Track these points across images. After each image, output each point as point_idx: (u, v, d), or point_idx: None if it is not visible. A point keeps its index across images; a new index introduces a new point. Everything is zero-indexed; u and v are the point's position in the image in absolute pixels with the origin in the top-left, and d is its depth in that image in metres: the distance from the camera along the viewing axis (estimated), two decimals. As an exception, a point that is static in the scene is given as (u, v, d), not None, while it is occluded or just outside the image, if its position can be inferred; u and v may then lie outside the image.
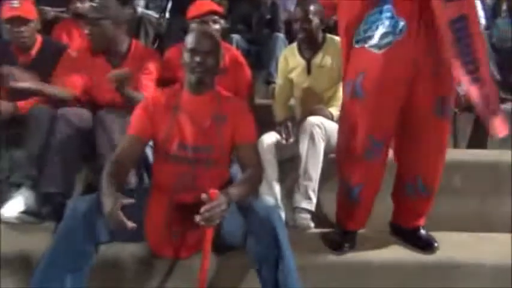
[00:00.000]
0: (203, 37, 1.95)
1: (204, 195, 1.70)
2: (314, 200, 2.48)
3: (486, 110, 1.92)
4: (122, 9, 2.66)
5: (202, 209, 1.68)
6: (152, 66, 2.66)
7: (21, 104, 2.55)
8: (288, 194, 2.60)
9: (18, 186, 2.46)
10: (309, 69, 2.79)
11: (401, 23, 2.01)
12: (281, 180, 2.58)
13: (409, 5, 2.01)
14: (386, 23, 2.03)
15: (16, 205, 2.38)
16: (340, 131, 2.25)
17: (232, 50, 2.97)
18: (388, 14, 2.03)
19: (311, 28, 2.70)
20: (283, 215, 2.50)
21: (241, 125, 2.00)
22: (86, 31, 2.59)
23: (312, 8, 2.67)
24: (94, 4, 2.61)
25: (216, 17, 2.81)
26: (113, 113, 2.43)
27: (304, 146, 2.48)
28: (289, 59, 2.85)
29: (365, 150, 2.11)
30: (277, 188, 2.54)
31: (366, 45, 2.07)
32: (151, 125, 1.96)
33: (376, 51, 2.05)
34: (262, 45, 3.97)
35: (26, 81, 2.46)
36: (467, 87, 1.92)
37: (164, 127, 1.95)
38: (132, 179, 2.37)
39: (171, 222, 1.95)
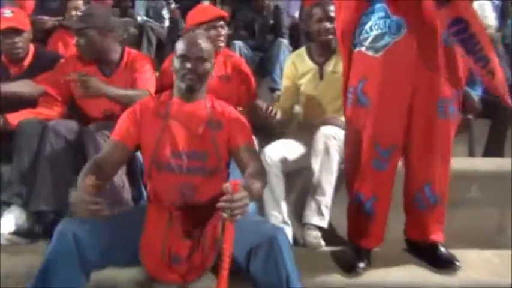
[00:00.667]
0: (194, 43, 1.89)
1: (226, 185, 1.56)
2: (327, 216, 2.32)
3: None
4: (109, 17, 2.54)
5: (222, 199, 1.54)
6: (147, 66, 2.53)
7: (11, 116, 2.41)
8: (296, 208, 2.46)
9: (8, 205, 2.31)
10: (321, 75, 2.64)
11: (398, 22, 1.91)
12: (287, 193, 2.44)
13: (405, 1, 1.90)
14: (380, 23, 1.94)
15: (5, 226, 2.24)
16: (346, 141, 2.13)
17: (235, 57, 2.85)
18: (381, 14, 1.93)
19: (333, 28, 2.51)
20: (290, 231, 2.37)
21: (236, 130, 1.92)
22: (74, 42, 2.47)
23: (332, 7, 2.53)
24: (79, 13, 2.49)
25: (222, 23, 2.69)
26: (105, 126, 2.27)
27: (317, 159, 2.34)
28: (297, 64, 2.70)
29: (372, 159, 1.99)
30: (283, 202, 2.39)
31: (363, 49, 1.97)
32: (138, 133, 1.89)
33: (373, 54, 1.95)
34: (265, 51, 3.85)
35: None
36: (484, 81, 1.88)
37: (154, 135, 1.86)
38: (125, 195, 2.22)
39: (170, 243, 1.81)
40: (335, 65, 2.63)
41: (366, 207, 2.04)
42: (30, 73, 2.58)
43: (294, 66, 2.72)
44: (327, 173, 2.31)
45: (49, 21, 3.41)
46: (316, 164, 2.34)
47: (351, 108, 2.04)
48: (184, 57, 1.86)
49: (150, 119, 1.89)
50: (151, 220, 1.85)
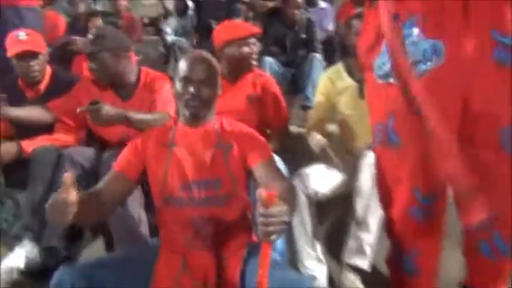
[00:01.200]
0: (197, 63, 1.69)
1: (261, 192, 1.29)
2: (369, 256, 2.05)
3: None
4: (123, 38, 2.38)
5: (257, 212, 1.29)
6: (166, 86, 2.35)
7: (26, 143, 2.29)
8: (330, 240, 2.21)
9: (20, 239, 2.16)
10: (361, 93, 2.37)
11: (435, 45, 1.57)
12: (321, 223, 2.22)
13: (445, 20, 1.55)
14: (411, 49, 1.60)
15: (15, 262, 2.08)
16: (377, 184, 1.82)
17: (265, 77, 2.61)
18: (414, 38, 1.59)
19: None
20: (325, 270, 2.13)
21: (250, 147, 1.70)
22: (88, 66, 2.32)
23: None
24: (90, 37, 2.32)
25: (254, 40, 2.49)
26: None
27: (363, 189, 2.07)
28: (335, 81, 2.46)
29: (411, 208, 1.67)
30: (316, 236, 2.15)
31: (391, 80, 1.64)
32: (141, 164, 1.70)
33: None
34: (297, 67, 3.61)
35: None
36: None
37: (160, 167, 1.68)
38: (143, 229, 2.03)
39: None
40: None
41: (406, 264, 1.73)
42: (46, 96, 2.46)
43: (331, 82, 2.47)
44: (374, 206, 2.03)
45: (80, 41, 3.31)
46: (360, 196, 2.07)
47: (381, 149, 1.74)
48: (186, 80, 1.67)
49: (155, 150, 1.70)
50: (162, 265, 1.64)
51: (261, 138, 1.76)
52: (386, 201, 1.77)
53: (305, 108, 3.41)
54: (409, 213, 1.66)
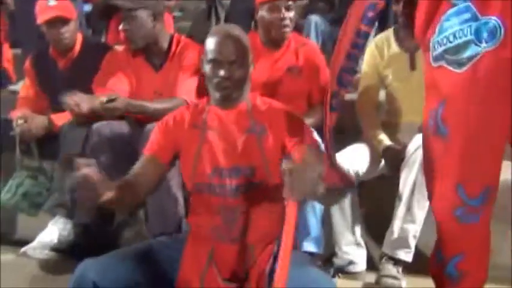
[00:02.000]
0: (226, 43, 1.56)
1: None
2: (413, 248, 1.91)
3: None
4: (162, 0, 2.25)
5: (286, 167, 1.26)
6: (192, 63, 2.20)
7: (56, 117, 2.26)
8: (370, 221, 2.10)
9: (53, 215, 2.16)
10: (412, 64, 2.15)
11: (491, 24, 1.38)
12: (363, 204, 2.10)
13: None
14: (465, 28, 1.41)
15: (47, 239, 2.08)
16: (425, 177, 1.64)
17: (309, 46, 2.39)
18: (467, 15, 1.41)
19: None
20: (364, 254, 2.04)
21: (289, 133, 1.56)
22: (121, 26, 2.18)
23: None
24: None
25: (290, 3, 2.24)
26: None
27: (409, 176, 1.90)
28: (382, 51, 2.23)
29: (455, 208, 1.49)
30: (356, 221, 2.05)
31: (444, 63, 1.46)
32: (172, 147, 1.62)
33: (456, 69, 1.44)
34: (346, 25, 3.32)
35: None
36: None
37: (192, 151, 1.59)
38: (180, 210, 1.96)
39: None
40: None
41: (448, 268, 1.56)
42: (78, 66, 2.39)
43: (379, 51, 2.25)
44: (421, 196, 1.87)
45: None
46: (407, 183, 1.90)
47: (430, 138, 1.55)
48: (215, 62, 1.55)
49: (187, 132, 1.61)
50: (189, 257, 1.57)
51: (301, 119, 1.63)
52: (431, 195, 1.60)
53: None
54: (453, 213, 1.50)
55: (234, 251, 1.55)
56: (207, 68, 1.57)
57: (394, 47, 2.21)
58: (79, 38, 2.43)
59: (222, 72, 1.53)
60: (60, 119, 2.23)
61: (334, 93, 1.75)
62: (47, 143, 2.27)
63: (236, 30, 1.60)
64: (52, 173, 2.27)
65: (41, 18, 2.32)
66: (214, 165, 1.56)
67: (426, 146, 1.61)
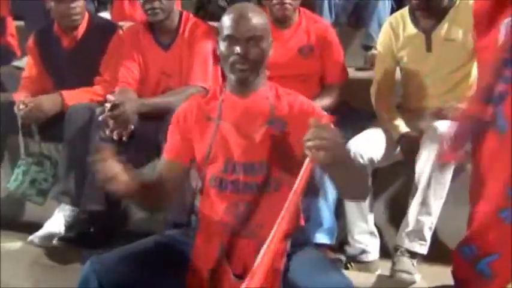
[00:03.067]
0: (243, 18, 1.45)
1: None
2: (429, 240, 1.84)
3: None
4: None
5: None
6: (205, 47, 2.12)
7: (68, 96, 2.18)
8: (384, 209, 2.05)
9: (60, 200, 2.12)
10: (428, 45, 2.04)
11: None
12: (376, 191, 2.04)
13: None
14: None
15: (53, 227, 2.04)
16: (472, 173, 1.57)
17: (321, 24, 2.28)
18: None
19: None
20: (377, 244, 1.99)
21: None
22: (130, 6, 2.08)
23: None
24: None
25: None
26: None
27: (427, 166, 1.82)
28: (397, 30, 2.11)
29: (501, 209, 1.44)
30: (370, 210, 1.98)
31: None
32: (190, 144, 1.54)
33: None
34: (361, -1, 3.16)
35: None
36: None
37: (204, 143, 1.51)
38: None
39: (217, 284, 1.48)
40: (448, 30, 2.01)
41: (480, 265, 1.52)
42: (84, 46, 2.29)
43: (394, 32, 2.12)
44: (437, 187, 1.80)
45: None
46: (423, 174, 1.83)
47: (485, 131, 1.47)
48: (231, 39, 1.44)
49: (199, 123, 1.52)
50: (199, 251, 1.51)
51: (326, 115, 1.49)
52: (476, 193, 1.54)
53: (366, 48, 3.00)
54: (498, 214, 1.45)
55: (245, 246, 1.49)
56: (222, 47, 1.46)
57: (410, 27, 2.09)
58: (85, 15, 2.32)
59: (238, 49, 1.42)
60: (72, 98, 2.15)
61: None
62: (47, 125, 2.20)
63: (254, 8, 1.52)
64: (56, 157, 2.22)
65: None
66: (228, 159, 1.48)
67: (479, 140, 1.52)
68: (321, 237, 1.85)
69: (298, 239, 1.50)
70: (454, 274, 1.64)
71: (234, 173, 1.47)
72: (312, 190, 1.84)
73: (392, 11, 3.00)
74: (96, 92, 2.22)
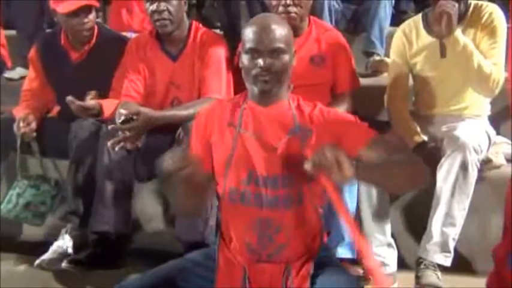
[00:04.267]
0: (266, 30, 1.42)
1: None
2: (452, 252, 1.82)
3: None
4: None
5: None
6: (217, 57, 2.06)
7: (106, 105, 2.07)
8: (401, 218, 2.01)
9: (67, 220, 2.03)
10: (443, 51, 2.01)
11: None
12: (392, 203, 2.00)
13: None
14: None
15: (60, 249, 1.97)
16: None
17: (333, 32, 2.23)
18: None
19: None
20: (395, 255, 1.94)
21: (344, 134, 1.40)
22: (154, 7, 1.99)
23: None
24: None
25: None
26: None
27: (450, 176, 1.79)
28: (411, 37, 2.09)
29: None
30: (387, 221, 1.94)
31: None
32: (209, 149, 1.48)
33: None
34: (360, 3, 3.13)
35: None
36: None
37: (224, 152, 1.45)
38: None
39: None
40: (464, 35, 1.98)
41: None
42: (93, 60, 2.21)
43: (407, 39, 2.10)
44: (461, 197, 1.78)
45: None
46: (446, 184, 1.80)
47: None
48: (254, 52, 1.41)
49: (219, 131, 1.47)
50: (223, 277, 1.45)
51: (352, 117, 1.49)
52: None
53: (368, 54, 2.97)
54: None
55: (269, 271, 1.43)
56: (245, 60, 1.43)
57: (423, 34, 2.07)
58: (95, 28, 2.22)
59: (261, 62, 1.39)
60: (109, 108, 2.04)
61: None
62: (48, 142, 2.14)
63: (277, 19, 1.48)
64: (57, 176, 2.13)
65: (64, 8, 2.09)
66: (250, 171, 1.42)
67: None
68: (343, 252, 1.81)
69: (322, 257, 1.45)
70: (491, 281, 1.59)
71: (257, 185, 1.42)
72: (331, 204, 1.79)
73: (392, 17, 3.02)
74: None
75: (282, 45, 1.41)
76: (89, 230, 1.94)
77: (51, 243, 2.00)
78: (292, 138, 1.42)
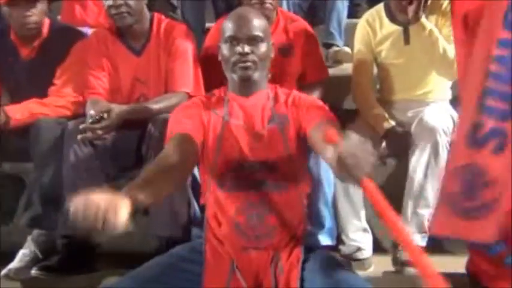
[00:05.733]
0: (245, 20, 1.49)
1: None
2: (428, 231, 1.87)
3: None
4: None
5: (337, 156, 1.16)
6: (184, 48, 2.02)
7: (12, 110, 1.95)
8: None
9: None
10: (407, 38, 2.07)
11: None
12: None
13: None
14: None
15: (30, 256, 1.87)
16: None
17: (300, 22, 2.25)
18: None
19: None
20: (370, 239, 1.98)
21: (306, 112, 1.48)
22: (111, 1, 1.92)
23: None
24: None
25: None
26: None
27: (422, 159, 1.84)
28: (374, 26, 2.14)
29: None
30: (362, 207, 1.97)
31: None
32: (202, 127, 1.48)
33: None
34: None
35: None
36: None
37: (213, 139, 1.48)
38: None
39: None
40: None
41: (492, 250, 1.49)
42: (44, 56, 2.08)
43: (371, 28, 2.15)
44: (433, 179, 1.83)
45: None
46: (419, 167, 1.85)
47: None
48: (233, 39, 1.46)
49: (209, 118, 1.50)
50: (211, 269, 1.43)
51: (317, 102, 1.56)
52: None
53: (327, 46, 3.01)
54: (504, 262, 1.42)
55: (256, 259, 1.43)
56: (224, 49, 1.48)
57: (386, 22, 2.12)
58: (46, 22, 2.10)
59: (240, 49, 1.44)
60: (17, 112, 1.94)
61: (478, 125, 1.38)
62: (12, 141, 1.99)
63: (254, 10, 1.57)
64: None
65: None
66: (239, 158, 1.46)
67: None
68: (324, 239, 1.81)
69: (309, 243, 1.48)
70: (472, 268, 1.64)
71: (246, 171, 1.45)
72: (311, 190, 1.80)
73: (349, 9, 3.07)
74: (49, 103, 2.01)
75: (260, 34, 1.46)
76: (58, 233, 1.84)
77: (17, 251, 1.89)
78: (273, 127, 1.47)
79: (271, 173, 1.45)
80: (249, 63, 1.44)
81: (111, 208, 1.04)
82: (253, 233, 1.43)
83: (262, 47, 1.46)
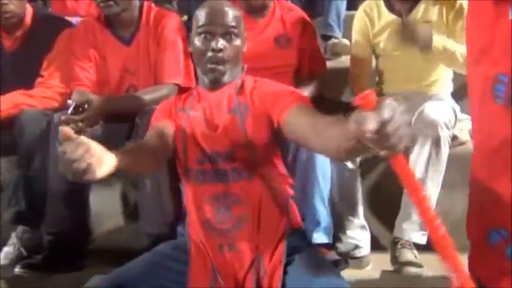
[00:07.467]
0: (218, 14, 1.44)
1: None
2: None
3: None
4: None
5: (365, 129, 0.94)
6: (174, 38, 1.96)
7: None
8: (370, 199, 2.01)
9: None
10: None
11: None
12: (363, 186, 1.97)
13: None
14: None
15: (14, 254, 1.82)
16: (472, 174, 1.49)
17: (297, 11, 2.17)
18: None
19: None
20: (368, 236, 1.92)
21: (273, 101, 1.39)
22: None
23: None
24: None
25: None
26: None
27: (423, 154, 1.78)
28: (372, 17, 2.08)
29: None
30: (359, 202, 1.92)
31: None
32: (175, 124, 1.50)
33: None
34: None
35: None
36: None
37: (179, 135, 1.48)
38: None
39: None
40: (425, 12, 2.01)
41: (491, 239, 1.45)
42: (28, 47, 2.02)
43: (369, 18, 2.09)
44: (434, 174, 1.77)
45: None
46: (419, 161, 1.78)
47: (495, 108, 1.37)
48: (207, 33, 1.42)
49: (175, 116, 1.50)
50: (195, 269, 1.40)
51: (288, 87, 1.49)
52: (480, 159, 1.43)
53: (326, 38, 2.94)
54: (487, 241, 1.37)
55: (235, 259, 1.39)
56: (197, 42, 1.44)
57: (385, 13, 2.06)
58: (29, 11, 2.04)
59: (214, 45, 1.40)
60: (1, 103, 1.88)
61: None
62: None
63: (228, 3, 1.49)
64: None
65: None
66: (200, 151, 1.45)
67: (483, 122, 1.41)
68: (320, 237, 1.75)
69: (298, 241, 1.42)
70: (472, 267, 1.58)
71: (208, 163, 1.43)
72: (306, 186, 1.74)
73: (348, 1, 2.99)
74: (35, 94, 1.95)
75: (234, 29, 1.43)
76: (44, 230, 1.78)
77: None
78: (233, 116, 1.42)
79: (232, 163, 1.41)
80: (221, 65, 1.41)
81: (99, 155, 1.06)
82: (222, 227, 1.39)
83: (237, 42, 1.43)
